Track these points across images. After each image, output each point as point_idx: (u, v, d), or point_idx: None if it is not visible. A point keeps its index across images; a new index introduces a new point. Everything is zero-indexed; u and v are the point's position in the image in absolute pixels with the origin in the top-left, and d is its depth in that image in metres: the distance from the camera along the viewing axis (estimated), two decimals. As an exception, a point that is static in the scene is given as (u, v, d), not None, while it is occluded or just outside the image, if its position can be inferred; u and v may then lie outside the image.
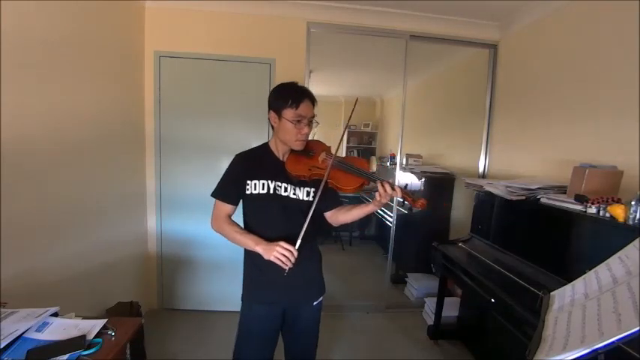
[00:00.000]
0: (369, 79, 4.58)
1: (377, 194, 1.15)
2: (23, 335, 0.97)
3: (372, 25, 2.65)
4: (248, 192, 1.26)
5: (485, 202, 2.25)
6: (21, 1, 1.41)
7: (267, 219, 1.27)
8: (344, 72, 4.19)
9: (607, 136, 1.79)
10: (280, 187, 1.26)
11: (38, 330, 1.01)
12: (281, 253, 1.13)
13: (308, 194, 1.28)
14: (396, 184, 1.15)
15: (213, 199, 1.31)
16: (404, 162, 3.58)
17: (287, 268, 1.13)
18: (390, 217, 3.06)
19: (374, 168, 5.28)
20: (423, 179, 3.30)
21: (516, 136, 2.55)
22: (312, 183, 1.26)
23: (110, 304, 2.02)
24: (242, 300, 1.36)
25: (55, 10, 1.62)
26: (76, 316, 1.12)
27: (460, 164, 3.31)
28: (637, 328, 0.64)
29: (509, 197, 1.86)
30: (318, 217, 1.34)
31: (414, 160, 3.69)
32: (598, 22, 1.88)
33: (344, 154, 5.34)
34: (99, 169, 2.03)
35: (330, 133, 5.32)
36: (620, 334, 0.65)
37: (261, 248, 1.17)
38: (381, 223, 4.21)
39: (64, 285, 1.72)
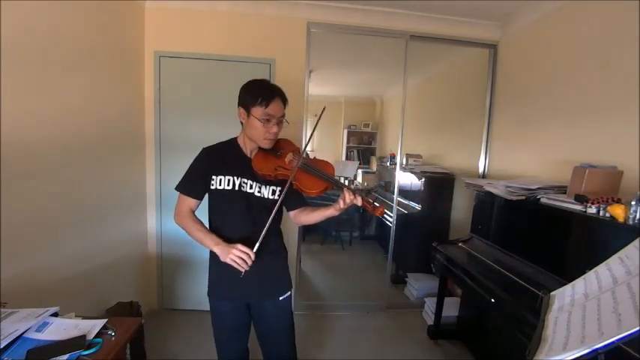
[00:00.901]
0: (369, 79, 4.58)
1: (340, 200, 1.15)
2: (23, 335, 0.97)
3: (371, 25, 2.65)
4: (213, 187, 1.26)
5: (485, 202, 2.25)
6: (21, 1, 1.41)
7: (231, 215, 1.27)
8: (344, 72, 4.19)
9: (607, 136, 1.79)
10: (246, 183, 1.25)
11: (38, 330, 1.01)
12: (237, 256, 1.13)
13: (273, 193, 1.27)
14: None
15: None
16: (404, 162, 3.58)
17: (243, 270, 1.14)
18: (390, 217, 3.06)
19: (374, 168, 5.28)
20: (423, 179, 3.30)
21: (516, 136, 2.55)
22: (278, 182, 1.26)
23: (110, 304, 2.02)
24: (208, 295, 1.39)
25: (55, 10, 1.62)
26: (76, 316, 1.12)
27: (460, 164, 3.30)
28: (637, 328, 0.64)
29: (509, 197, 1.86)
30: (281, 215, 1.34)
31: (414, 160, 3.69)
32: (598, 22, 1.88)
33: (344, 155, 5.35)
34: (99, 169, 2.03)
35: (329, 133, 5.33)
36: (620, 334, 0.65)
37: (218, 249, 1.17)
38: (381, 223, 4.21)
39: (64, 285, 1.72)
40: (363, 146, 5.54)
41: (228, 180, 1.25)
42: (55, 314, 1.11)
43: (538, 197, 1.80)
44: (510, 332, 1.56)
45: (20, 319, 1.02)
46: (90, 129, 1.92)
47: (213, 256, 1.32)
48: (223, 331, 1.38)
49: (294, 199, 1.31)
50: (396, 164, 3.07)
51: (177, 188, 1.29)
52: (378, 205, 1.14)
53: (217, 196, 1.27)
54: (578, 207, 1.54)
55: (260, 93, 1.18)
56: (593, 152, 1.85)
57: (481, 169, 2.93)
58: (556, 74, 2.16)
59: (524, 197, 1.83)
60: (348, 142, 5.47)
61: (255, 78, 1.28)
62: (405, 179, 3.57)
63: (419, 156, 3.74)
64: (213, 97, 2.61)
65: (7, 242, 1.36)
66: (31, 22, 1.48)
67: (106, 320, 1.09)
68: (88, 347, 0.96)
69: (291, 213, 1.37)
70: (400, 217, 3.05)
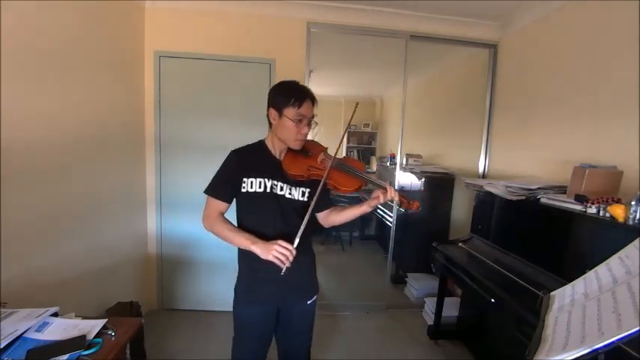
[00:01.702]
0: (369, 79, 4.58)
1: (376, 196, 1.17)
2: (23, 335, 0.97)
3: (372, 25, 2.65)
4: (244, 190, 1.23)
5: (485, 202, 2.25)
6: (21, 1, 1.41)
7: (262, 218, 1.25)
8: (344, 72, 4.19)
9: (607, 136, 1.79)
10: (277, 185, 1.25)
11: (38, 330, 1.01)
12: (280, 252, 1.09)
13: (303, 194, 1.27)
14: (395, 186, 1.17)
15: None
16: (404, 162, 3.58)
17: (284, 267, 1.10)
18: (390, 217, 3.06)
19: (374, 168, 5.28)
20: (423, 179, 3.30)
21: (516, 136, 2.55)
22: (309, 183, 1.26)
23: (110, 304, 2.02)
24: (235, 300, 1.34)
25: (54, 11, 1.62)
26: (76, 316, 1.12)
27: (460, 164, 3.30)
28: (637, 328, 0.64)
29: (509, 197, 1.86)
30: (313, 217, 1.33)
31: (414, 160, 3.69)
32: (598, 21, 1.88)
33: (344, 155, 5.35)
34: (99, 169, 2.03)
35: (329, 133, 5.33)
36: (620, 334, 0.65)
37: (257, 247, 1.13)
38: (381, 223, 4.21)
39: (64, 285, 1.73)
40: (363, 146, 5.54)
41: (260, 182, 1.23)
42: (55, 314, 1.11)
43: (538, 197, 1.80)
44: (510, 332, 1.56)
45: (20, 319, 1.02)
46: (90, 129, 1.92)
47: (244, 259, 1.29)
48: (246, 338, 1.34)
49: (324, 200, 1.31)
50: (396, 164, 3.07)
51: (207, 191, 1.25)
52: (413, 199, 1.17)
53: (248, 199, 1.25)
54: (578, 207, 1.54)
55: (292, 94, 1.18)
56: (593, 152, 1.85)
57: (481, 169, 2.93)
58: (556, 74, 2.16)
59: (524, 197, 1.83)
60: (348, 142, 5.47)
61: (284, 80, 1.26)
62: (405, 179, 3.56)
63: (419, 156, 3.74)
64: (214, 96, 2.62)
65: (7, 242, 1.36)
66: (31, 22, 1.48)
67: (106, 320, 1.09)
68: (88, 347, 0.96)
69: (321, 215, 1.36)
70: (400, 217, 3.05)
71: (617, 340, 0.65)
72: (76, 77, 1.79)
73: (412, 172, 3.49)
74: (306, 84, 2.58)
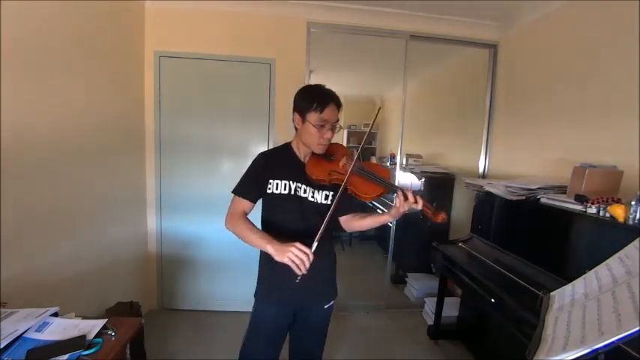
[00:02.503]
0: (369, 79, 4.58)
1: (396, 203, 1.11)
2: (23, 335, 0.97)
3: (372, 25, 2.65)
4: (269, 191, 1.25)
5: (485, 202, 2.25)
6: (21, 1, 1.41)
7: (285, 219, 1.26)
8: (344, 72, 4.19)
9: (607, 136, 1.79)
10: (300, 188, 1.26)
11: (38, 330, 1.01)
12: (296, 255, 1.03)
13: (326, 197, 1.27)
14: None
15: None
16: (404, 162, 3.57)
17: (300, 273, 1.04)
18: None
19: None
20: (423, 179, 3.30)
21: (516, 136, 2.55)
22: (331, 187, 1.26)
23: (110, 304, 2.02)
24: (255, 297, 1.36)
25: (54, 11, 1.61)
26: (76, 316, 1.12)
27: (460, 164, 3.30)
28: (637, 328, 0.64)
29: (509, 197, 1.86)
30: (334, 220, 1.34)
31: (414, 160, 3.69)
32: (598, 22, 1.88)
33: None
34: (99, 169, 2.03)
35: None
36: (620, 334, 0.65)
37: (273, 249, 1.07)
38: (381, 223, 4.20)
39: (64, 285, 1.72)
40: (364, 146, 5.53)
41: (285, 184, 1.25)
42: (55, 314, 1.11)
43: (538, 197, 1.80)
44: (510, 332, 1.57)
45: (20, 319, 1.02)
46: (90, 129, 1.92)
47: (265, 256, 1.26)
48: (260, 337, 1.34)
49: (346, 204, 1.30)
50: (396, 164, 3.07)
51: (234, 191, 1.26)
52: (439, 210, 1.09)
53: (273, 200, 1.27)
54: (578, 207, 1.54)
55: (315, 98, 1.18)
56: (593, 152, 1.85)
57: (481, 169, 2.93)
58: (556, 74, 2.16)
59: (524, 197, 1.83)
60: (348, 142, 5.47)
61: (310, 84, 1.28)
62: (405, 179, 3.56)
63: (419, 156, 3.74)
64: (214, 97, 2.62)
65: (7, 242, 1.36)
66: (31, 22, 1.48)
67: (106, 320, 1.09)
68: (88, 347, 0.96)
69: (342, 218, 1.36)
70: (400, 217, 3.04)
71: (617, 340, 0.65)
72: (75, 77, 1.79)
73: (412, 172, 3.49)
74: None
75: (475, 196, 2.38)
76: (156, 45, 2.53)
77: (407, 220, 3.27)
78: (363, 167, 1.23)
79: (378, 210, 3.52)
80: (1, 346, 0.89)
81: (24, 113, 1.46)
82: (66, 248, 1.75)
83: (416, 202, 1.09)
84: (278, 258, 1.06)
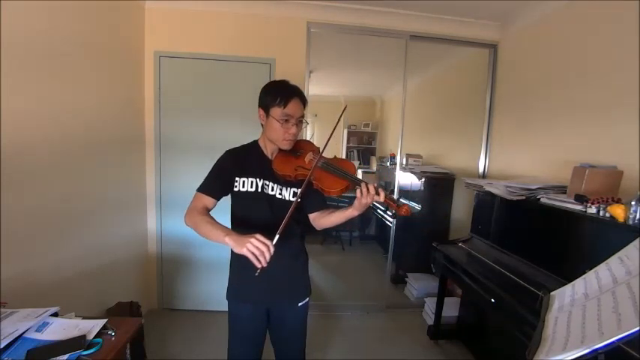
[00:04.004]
0: (369, 79, 4.58)
1: (358, 195, 1.10)
2: (23, 335, 0.97)
3: (372, 25, 2.65)
4: (236, 189, 1.24)
5: (485, 202, 2.25)
6: (21, 1, 1.41)
7: (253, 217, 1.25)
8: (344, 72, 4.19)
9: (607, 136, 1.79)
10: (268, 185, 1.25)
11: (38, 330, 1.01)
12: (255, 246, 0.97)
13: (294, 195, 1.26)
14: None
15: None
16: (404, 162, 3.58)
17: (260, 266, 0.99)
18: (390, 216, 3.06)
19: (374, 168, 5.28)
20: (423, 179, 3.30)
21: (516, 136, 2.55)
22: (299, 183, 1.23)
23: (110, 304, 2.02)
24: (227, 298, 1.34)
25: (54, 11, 1.62)
26: (76, 316, 1.12)
27: (460, 164, 3.30)
28: (637, 328, 0.64)
29: (509, 197, 1.86)
30: (304, 217, 1.33)
31: (414, 160, 3.69)
32: (598, 22, 1.87)
33: (343, 155, 5.34)
34: (99, 169, 2.03)
35: (328, 133, 5.33)
36: (620, 334, 0.65)
37: (231, 239, 1.01)
38: (381, 223, 4.21)
39: (64, 285, 1.72)
40: (363, 146, 5.54)
41: (252, 182, 1.24)
42: (55, 314, 1.11)
43: (538, 197, 1.80)
44: (510, 332, 1.56)
45: (20, 319, 1.02)
46: (90, 129, 1.92)
47: (234, 255, 1.27)
48: (238, 337, 1.35)
49: (315, 200, 1.29)
50: (396, 164, 3.07)
51: (198, 189, 1.24)
52: (403, 202, 1.10)
53: (240, 198, 1.26)
54: (578, 207, 1.54)
55: (278, 93, 1.17)
56: (593, 152, 1.85)
57: (481, 169, 2.93)
58: (556, 74, 2.16)
59: (524, 197, 1.83)
60: (348, 142, 5.47)
61: (275, 79, 1.26)
62: (405, 179, 3.57)
63: (419, 156, 3.74)
64: (214, 97, 2.62)
65: (7, 242, 1.36)
66: (31, 22, 1.48)
67: (106, 320, 1.09)
68: (88, 347, 0.96)
69: (312, 216, 1.34)
70: (400, 217, 3.05)
71: (617, 340, 0.65)
72: (75, 77, 1.79)
73: (412, 172, 3.49)
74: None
75: (475, 196, 2.38)
76: (156, 45, 2.53)
77: (407, 220, 3.28)
78: (328, 162, 1.22)
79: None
80: (1, 346, 0.89)
81: (24, 113, 1.46)
82: (66, 248, 1.75)
83: (377, 193, 1.08)
84: (237, 250, 1.01)
